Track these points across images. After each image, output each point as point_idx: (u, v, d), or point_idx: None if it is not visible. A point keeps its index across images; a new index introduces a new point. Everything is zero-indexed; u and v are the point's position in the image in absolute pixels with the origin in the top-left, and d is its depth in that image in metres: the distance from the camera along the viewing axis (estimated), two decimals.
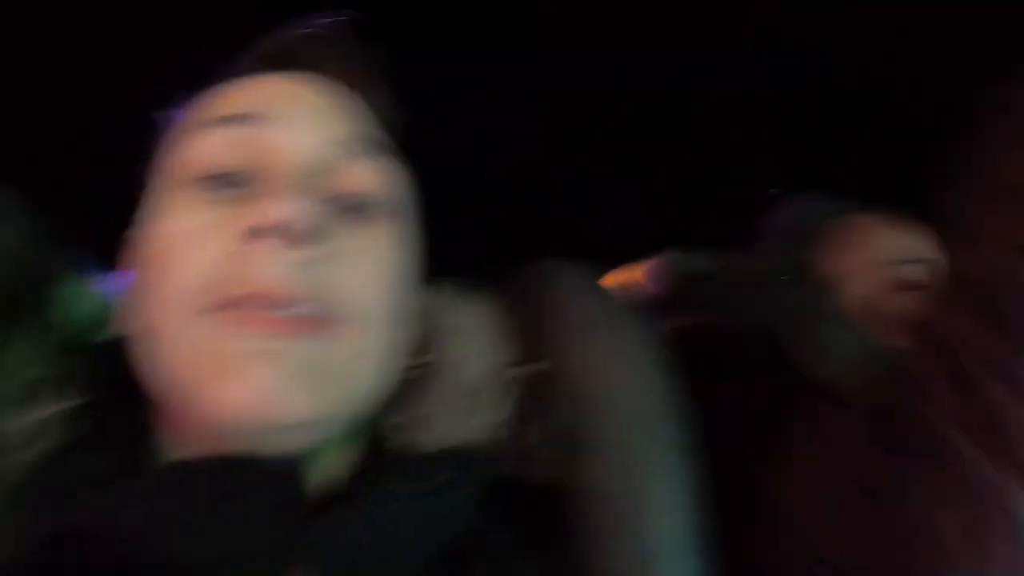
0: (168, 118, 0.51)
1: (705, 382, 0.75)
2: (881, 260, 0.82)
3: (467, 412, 0.51)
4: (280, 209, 0.41)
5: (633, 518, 0.45)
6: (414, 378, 0.52)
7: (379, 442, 0.49)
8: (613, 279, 0.97)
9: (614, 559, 0.44)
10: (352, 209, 0.46)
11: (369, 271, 0.45)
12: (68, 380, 0.44)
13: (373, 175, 0.47)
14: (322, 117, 0.47)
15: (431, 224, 0.53)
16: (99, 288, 0.52)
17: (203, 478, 0.39)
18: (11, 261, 0.45)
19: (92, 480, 0.41)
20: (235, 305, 0.40)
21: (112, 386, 0.46)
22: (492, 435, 0.51)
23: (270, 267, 0.40)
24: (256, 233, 0.41)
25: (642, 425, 0.47)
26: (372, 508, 0.42)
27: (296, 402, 0.39)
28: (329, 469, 0.46)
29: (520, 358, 0.54)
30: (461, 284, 0.56)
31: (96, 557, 0.39)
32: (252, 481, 0.40)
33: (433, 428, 0.50)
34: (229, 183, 0.44)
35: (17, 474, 0.41)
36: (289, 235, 0.41)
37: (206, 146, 0.45)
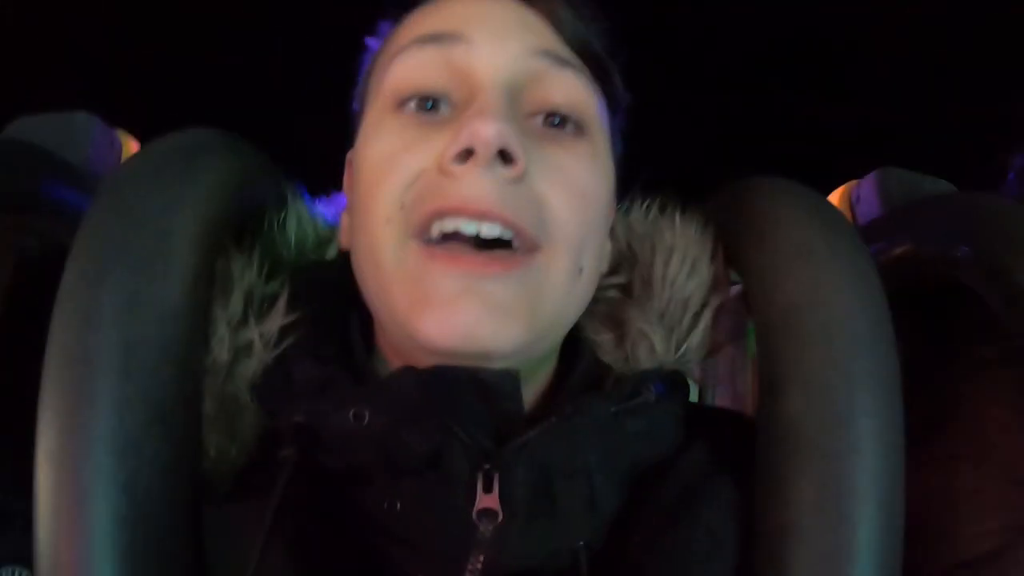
0: (373, 41, 0.52)
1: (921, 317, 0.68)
2: None
3: (676, 332, 0.50)
4: (483, 129, 0.41)
5: (833, 456, 0.42)
6: (625, 295, 0.52)
7: (588, 357, 0.50)
8: (834, 197, 0.90)
9: (807, 495, 0.42)
10: (556, 124, 0.46)
11: (573, 189, 0.44)
12: (292, 296, 0.48)
13: (575, 88, 0.46)
14: (521, 30, 0.46)
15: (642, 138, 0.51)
16: (321, 211, 0.55)
17: (426, 388, 0.41)
18: (239, 189, 0.48)
19: (318, 385, 0.45)
20: (438, 233, 0.41)
21: (332, 301, 0.49)
22: (698, 356, 0.51)
23: (474, 186, 0.41)
24: (460, 154, 0.42)
25: (852, 360, 0.43)
26: (570, 425, 0.43)
27: (502, 334, 0.41)
28: (537, 383, 0.48)
29: (732, 279, 0.52)
30: (675, 199, 0.55)
31: (329, 455, 0.44)
32: (474, 392, 0.41)
33: (641, 346, 0.49)
34: (434, 103, 0.45)
35: (248, 379, 0.46)
36: (491, 155, 0.41)
37: (407, 68, 0.45)
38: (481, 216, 0.41)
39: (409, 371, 0.42)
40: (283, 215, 0.52)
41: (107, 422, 0.39)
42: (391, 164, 0.44)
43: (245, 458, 0.46)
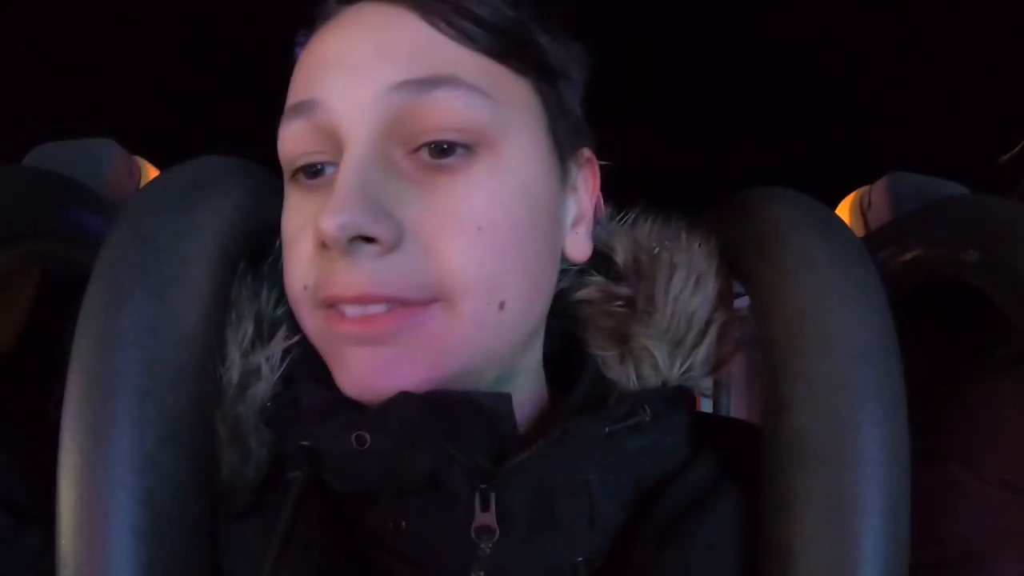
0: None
1: (930, 319, 0.67)
2: None
3: (681, 347, 0.49)
4: (325, 225, 0.40)
5: (837, 466, 0.41)
6: (629, 310, 0.51)
7: (591, 375, 0.50)
8: (845, 204, 0.89)
9: (812, 506, 0.41)
10: (444, 149, 0.42)
11: (466, 227, 0.42)
12: (294, 320, 0.48)
13: (450, 109, 0.42)
14: (376, 64, 0.43)
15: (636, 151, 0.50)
16: None
17: (423, 412, 0.42)
18: (254, 215, 0.49)
19: (322, 409, 0.45)
20: (332, 306, 0.43)
21: None
22: (703, 371, 0.50)
23: (344, 272, 0.42)
24: (321, 244, 0.42)
25: (854, 370, 0.43)
26: (562, 446, 0.43)
27: (401, 382, 0.42)
28: (531, 404, 0.49)
29: (735, 292, 0.52)
30: (679, 213, 0.54)
31: (336, 476, 0.45)
32: (469, 414, 0.42)
33: (646, 362, 0.49)
34: (318, 169, 0.45)
35: (258, 403, 0.47)
36: (343, 246, 0.41)
37: (286, 142, 0.46)
38: (359, 300, 0.42)
39: (406, 396, 0.42)
40: None
41: (127, 440, 0.40)
42: (292, 247, 0.45)
43: (260, 476, 0.47)
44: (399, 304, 0.42)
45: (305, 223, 0.44)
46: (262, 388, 0.47)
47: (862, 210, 0.88)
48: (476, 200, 0.43)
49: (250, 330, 0.47)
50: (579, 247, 0.50)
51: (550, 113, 0.48)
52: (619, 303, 0.51)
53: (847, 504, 0.41)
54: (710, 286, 0.50)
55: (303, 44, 0.48)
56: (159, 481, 0.40)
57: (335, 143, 0.44)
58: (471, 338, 0.43)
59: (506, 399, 0.43)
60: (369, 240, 0.41)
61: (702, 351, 0.50)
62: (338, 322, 0.43)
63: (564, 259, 0.50)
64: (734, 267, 0.52)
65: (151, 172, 0.84)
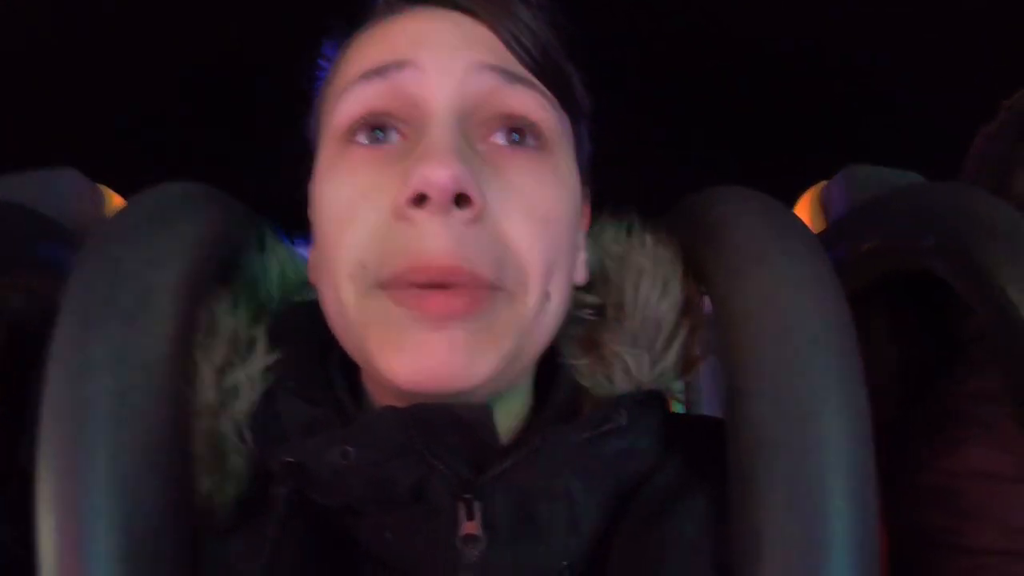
0: (323, 65, 0.51)
1: (884, 314, 0.69)
2: None
3: (651, 352, 0.50)
4: (436, 174, 0.39)
5: (799, 453, 0.42)
6: (599, 318, 0.52)
7: (566, 384, 0.50)
8: (804, 201, 0.91)
9: (777, 494, 0.42)
10: (516, 140, 0.44)
11: (535, 215, 0.43)
12: (274, 337, 0.49)
13: (530, 100, 0.45)
14: (470, 46, 0.44)
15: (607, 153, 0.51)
16: (302, 254, 0.56)
17: (406, 426, 0.42)
18: (220, 240, 0.49)
19: (305, 424, 0.46)
20: (402, 282, 0.41)
21: (312, 340, 0.50)
22: (673, 375, 0.51)
23: (430, 240, 0.40)
24: (414, 198, 0.40)
25: (810, 358, 0.44)
26: (541, 455, 0.44)
27: (469, 371, 0.41)
28: (513, 414, 0.49)
29: (699, 293, 0.52)
30: (643, 219, 0.54)
31: (321, 491, 0.45)
32: (451, 427, 0.42)
33: (617, 368, 0.50)
34: (383, 131, 0.44)
35: (239, 420, 0.47)
36: (448, 201, 0.40)
37: (356, 104, 0.44)
38: (447, 274, 0.40)
39: (390, 411, 0.43)
40: (265, 261, 0.53)
41: (102, 466, 0.40)
42: (348, 216, 0.43)
43: (243, 493, 0.47)
44: (477, 285, 0.41)
45: (369, 190, 0.43)
46: (241, 405, 0.47)
47: (822, 204, 0.89)
48: (544, 193, 0.44)
49: (224, 350, 0.47)
50: (580, 271, 0.52)
51: (577, 144, 0.50)
52: (588, 311, 0.52)
53: (811, 489, 0.41)
54: (677, 290, 0.51)
55: (340, 42, 0.49)
56: (136, 505, 0.40)
57: (415, 109, 0.43)
58: (525, 330, 0.43)
59: (487, 410, 0.43)
60: (463, 204, 0.40)
61: (672, 355, 0.50)
62: (413, 301, 0.40)
63: None
64: (692, 266, 0.52)
65: (115, 200, 0.83)
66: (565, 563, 0.44)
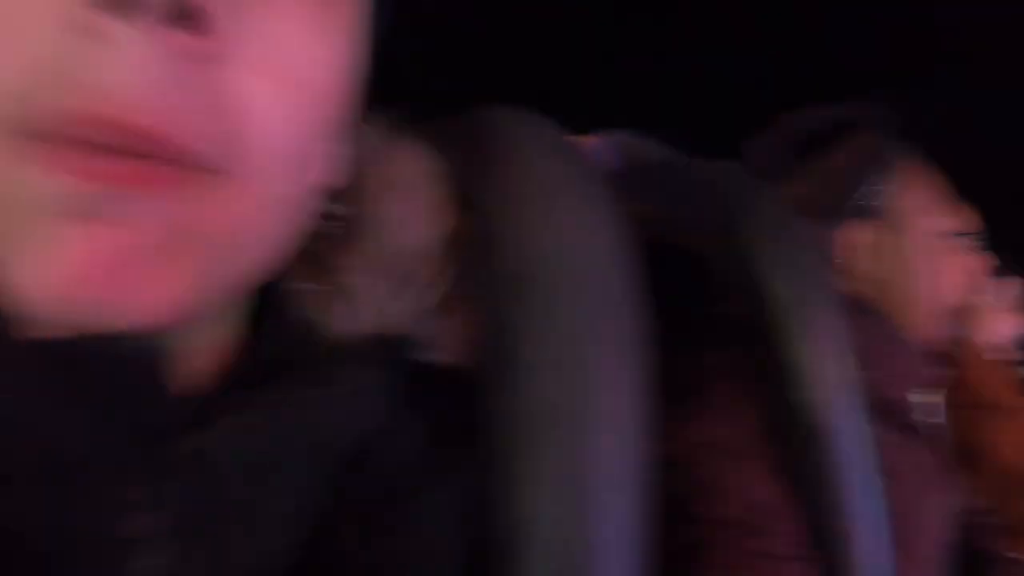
0: None
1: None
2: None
3: (395, 286, 0.40)
4: None
5: (572, 433, 0.39)
6: (333, 237, 0.40)
7: (280, 317, 0.38)
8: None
9: (543, 484, 0.38)
10: None
11: (287, 81, 0.30)
12: None
13: None
14: None
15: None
16: None
17: (49, 370, 0.29)
18: None
19: None
20: (59, 136, 0.25)
21: None
22: (418, 316, 0.42)
23: (123, 68, 0.25)
24: (107, 3, 0.25)
25: (596, 323, 0.40)
26: (258, 416, 0.34)
27: (150, 290, 0.27)
28: (213, 356, 0.35)
29: (463, 224, 0.45)
30: (401, 123, 0.44)
31: None
32: (113, 375, 0.30)
33: (350, 303, 0.39)
34: None
35: None
36: (160, 8, 0.25)
37: None
38: (124, 135, 0.25)
39: (28, 346, 0.28)
40: None
41: None
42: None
43: None
44: (180, 162, 0.26)
45: None
46: None
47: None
48: (305, 50, 0.31)
49: None
50: (335, 170, 0.39)
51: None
52: (335, 225, 0.40)
53: (582, 478, 0.39)
54: (434, 215, 0.43)
55: None
56: None
57: None
58: (250, 233, 0.30)
59: (159, 350, 0.31)
60: (189, 26, 0.26)
61: (429, 293, 0.42)
62: (61, 164, 0.25)
63: None
64: (461, 195, 0.45)
65: None
66: (274, 554, 0.34)
